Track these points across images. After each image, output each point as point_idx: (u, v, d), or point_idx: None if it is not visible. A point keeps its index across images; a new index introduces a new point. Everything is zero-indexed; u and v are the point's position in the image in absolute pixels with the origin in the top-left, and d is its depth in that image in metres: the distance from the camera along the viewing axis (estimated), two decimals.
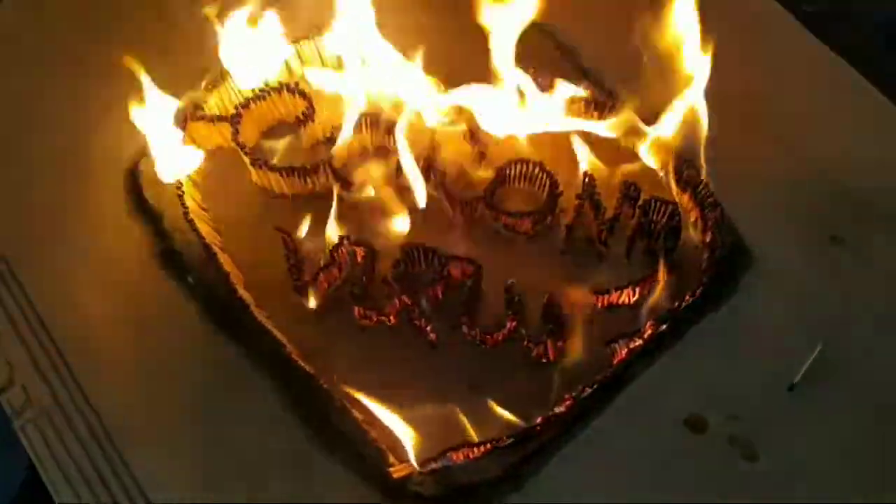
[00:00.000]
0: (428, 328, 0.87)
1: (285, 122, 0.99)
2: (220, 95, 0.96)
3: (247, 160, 0.92)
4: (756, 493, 0.83)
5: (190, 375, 0.87)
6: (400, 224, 0.92)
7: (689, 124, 0.93)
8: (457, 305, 0.89)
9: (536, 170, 0.94)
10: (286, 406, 0.84)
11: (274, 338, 0.85)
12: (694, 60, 0.92)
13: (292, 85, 0.96)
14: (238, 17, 0.98)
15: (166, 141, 0.90)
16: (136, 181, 0.95)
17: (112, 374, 0.87)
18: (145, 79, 0.93)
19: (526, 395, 0.86)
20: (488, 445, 0.79)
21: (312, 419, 0.84)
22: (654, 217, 0.91)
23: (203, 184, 0.95)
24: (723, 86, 1.01)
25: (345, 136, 0.94)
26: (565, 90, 0.96)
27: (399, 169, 0.92)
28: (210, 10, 0.96)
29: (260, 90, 0.95)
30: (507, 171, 0.94)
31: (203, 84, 0.97)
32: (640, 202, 0.92)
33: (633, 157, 0.98)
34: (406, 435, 0.80)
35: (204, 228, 0.89)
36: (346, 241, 0.88)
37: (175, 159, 0.91)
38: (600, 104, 0.96)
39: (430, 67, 0.99)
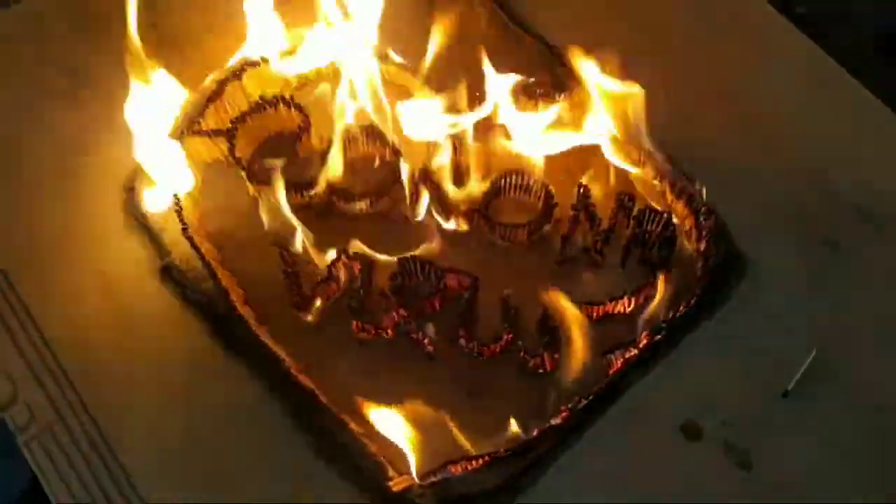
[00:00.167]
0: (425, 340, 0.88)
1: (281, 135, 0.99)
2: (216, 109, 0.96)
3: (244, 175, 0.93)
4: (750, 499, 0.83)
5: (190, 389, 0.88)
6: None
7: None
8: (454, 317, 0.89)
9: (531, 180, 0.95)
10: (286, 419, 0.85)
11: (273, 352, 0.85)
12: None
13: (287, 98, 0.96)
14: None
15: (162, 159, 0.91)
16: (134, 197, 0.95)
17: (114, 389, 0.88)
18: (143, 92, 0.93)
19: (523, 406, 0.86)
20: (486, 458, 0.80)
21: (312, 432, 0.84)
22: (649, 227, 0.92)
23: (200, 198, 0.95)
24: (714, 88, 1.04)
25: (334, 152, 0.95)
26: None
27: (397, 181, 0.94)
28: None
29: (256, 103, 0.96)
30: (503, 182, 0.95)
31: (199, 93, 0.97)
32: (635, 212, 0.92)
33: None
34: (406, 447, 0.81)
35: (203, 244, 0.89)
36: (343, 256, 0.89)
37: (170, 180, 0.91)
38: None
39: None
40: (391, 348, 0.89)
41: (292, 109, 0.96)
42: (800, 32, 1.09)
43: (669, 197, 0.95)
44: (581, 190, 0.92)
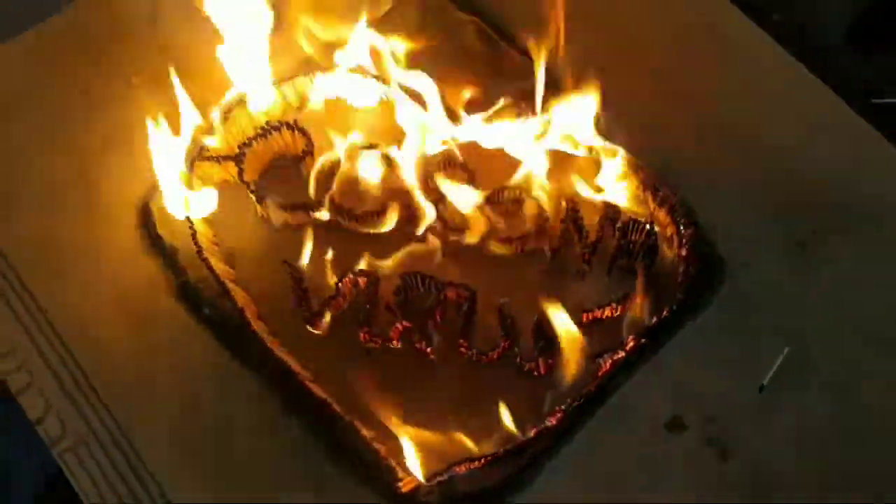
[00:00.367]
0: (428, 349, 0.93)
1: (285, 157, 1.04)
2: (224, 133, 1.01)
3: (253, 198, 0.98)
4: (731, 488, 0.90)
5: (209, 401, 0.94)
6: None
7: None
8: (454, 326, 0.94)
9: (522, 195, 1.00)
10: (301, 428, 0.91)
11: (286, 364, 0.91)
12: None
13: (291, 122, 1.01)
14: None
15: (177, 182, 0.96)
16: (148, 218, 1.00)
17: (138, 401, 0.93)
18: (160, 121, 0.98)
19: (521, 407, 0.92)
20: (487, 458, 0.86)
21: (325, 439, 0.90)
22: (633, 237, 0.97)
23: (212, 218, 1.00)
24: (691, 98, 1.08)
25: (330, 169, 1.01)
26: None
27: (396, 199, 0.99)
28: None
29: (262, 129, 1.01)
30: (496, 197, 1.00)
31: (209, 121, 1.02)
32: (619, 224, 0.98)
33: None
34: (414, 449, 0.87)
35: (217, 264, 0.95)
36: (350, 272, 0.94)
37: (187, 198, 0.96)
38: None
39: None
40: (396, 357, 0.95)
41: (295, 133, 1.01)
42: (774, 41, 1.12)
43: (652, 206, 1.00)
44: (569, 204, 0.98)
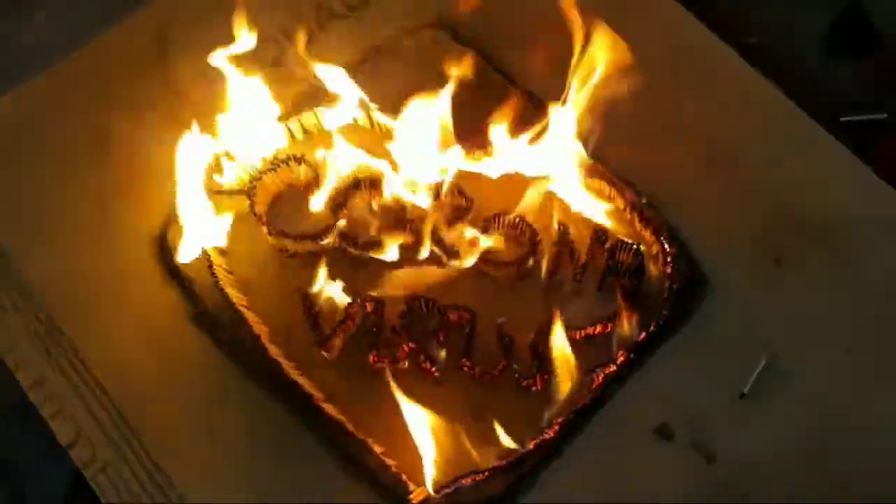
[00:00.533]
0: (433, 368, 1.00)
1: (293, 187, 1.09)
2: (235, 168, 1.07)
3: (264, 230, 1.04)
4: (717, 488, 0.95)
5: (228, 422, 0.99)
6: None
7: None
8: (457, 346, 1.00)
9: (517, 219, 1.06)
10: (315, 445, 0.97)
11: (301, 385, 0.97)
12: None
13: (298, 156, 1.07)
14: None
15: (194, 215, 1.02)
16: (165, 249, 1.06)
17: (162, 422, 0.99)
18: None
19: (520, 420, 0.97)
20: (490, 470, 0.93)
21: (340, 455, 0.96)
22: (621, 257, 1.03)
23: (226, 248, 1.06)
24: (672, 122, 1.13)
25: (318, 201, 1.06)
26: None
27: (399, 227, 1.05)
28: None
29: (270, 163, 1.06)
30: (493, 223, 1.06)
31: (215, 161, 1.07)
32: (608, 245, 1.04)
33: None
34: (427, 461, 0.93)
35: (232, 293, 1.00)
36: (358, 298, 1.00)
37: (200, 234, 1.02)
38: None
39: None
40: (403, 376, 0.99)
41: (302, 165, 1.07)
42: (749, 66, 1.17)
43: (638, 226, 1.06)
44: (560, 228, 1.04)
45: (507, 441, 0.95)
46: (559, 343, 0.97)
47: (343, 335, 1.00)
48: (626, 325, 1.01)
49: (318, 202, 1.05)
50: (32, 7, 1.52)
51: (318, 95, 1.13)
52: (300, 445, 0.97)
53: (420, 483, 0.94)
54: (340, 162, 1.06)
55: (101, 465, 0.96)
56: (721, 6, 1.28)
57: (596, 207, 1.06)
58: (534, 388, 0.99)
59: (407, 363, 1.00)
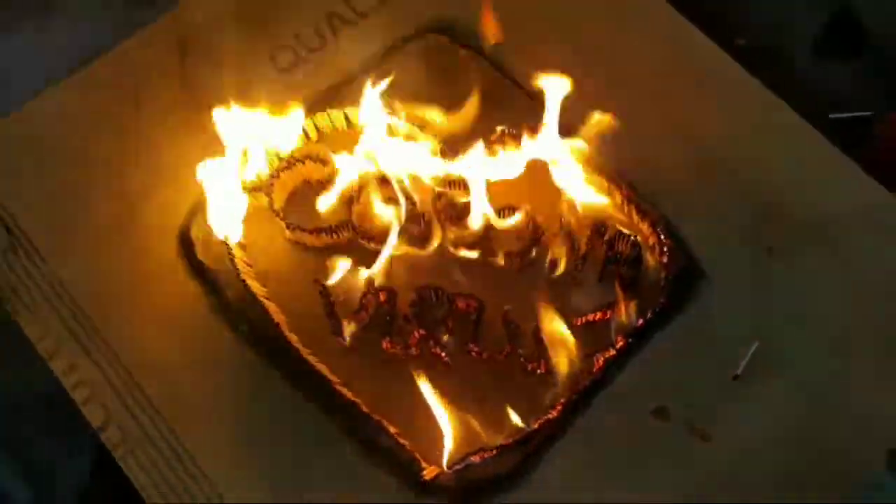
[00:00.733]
0: (443, 354, 1.05)
1: (308, 184, 1.15)
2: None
3: (282, 224, 1.10)
4: (712, 465, 1.00)
5: (248, 404, 1.05)
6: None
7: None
8: (465, 332, 1.05)
9: (521, 213, 1.11)
10: (333, 426, 1.02)
11: (320, 373, 1.02)
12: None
13: (313, 154, 1.12)
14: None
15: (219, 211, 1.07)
16: (189, 246, 1.11)
17: (186, 407, 1.04)
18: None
19: (526, 401, 1.02)
20: (498, 448, 0.98)
21: (356, 436, 1.01)
22: (620, 248, 1.08)
23: (245, 242, 1.11)
24: (667, 121, 1.18)
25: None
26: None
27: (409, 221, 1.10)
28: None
29: (287, 161, 1.12)
30: (500, 216, 1.11)
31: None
32: (607, 237, 1.09)
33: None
34: (449, 439, 0.98)
35: (253, 284, 1.06)
36: (371, 289, 1.06)
37: (222, 228, 1.07)
38: None
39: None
40: (414, 361, 1.05)
41: (318, 163, 1.12)
42: (738, 65, 1.22)
43: (635, 219, 1.12)
44: (562, 221, 1.09)
45: (513, 420, 1.00)
46: (559, 325, 1.02)
47: (358, 324, 1.05)
48: (625, 312, 1.06)
49: (327, 200, 1.11)
50: (53, 13, 1.58)
51: (329, 98, 1.19)
52: (318, 427, 1.02)
53: (432, 462, 0.99)
54: (353, 162, 1.12)
55: (129, 447, 1.01)
56: (710, 7, 1.33)
57: (596, 201, 1.11)
58: (538, 372, 1.04)
59: (418, 349, 1.05)
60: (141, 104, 1.19)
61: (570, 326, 1.04)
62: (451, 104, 1.15)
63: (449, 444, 0.98)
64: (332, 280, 1.06)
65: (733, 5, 1.50)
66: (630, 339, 1.05)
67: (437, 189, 1.11)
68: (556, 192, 1.11)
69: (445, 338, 1.05)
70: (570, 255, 1.09)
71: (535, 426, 1.00)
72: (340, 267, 1.07)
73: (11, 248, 1.11)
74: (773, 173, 1.16)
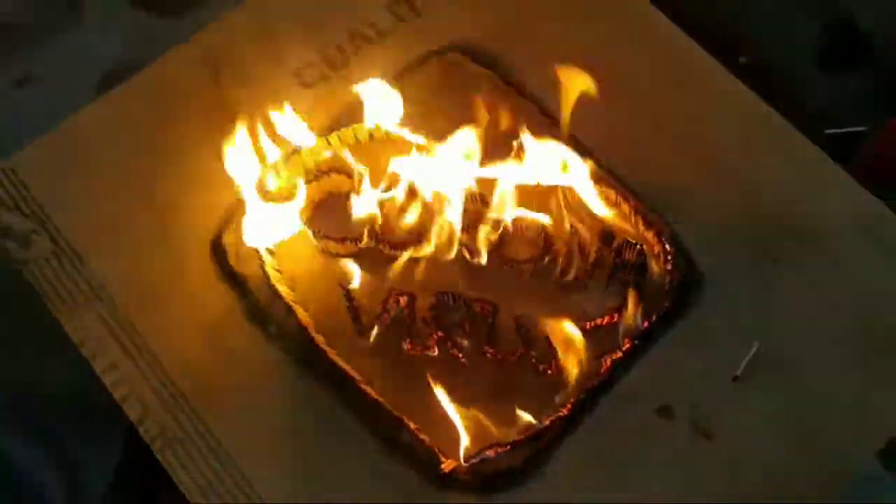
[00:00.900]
0: (460, 355, 1.11)
1: (333, 195, 1.21)
2: (282, 178, 1.19)
3: (309, 233, 1.16)
4: (714, 462, 1.05)
5: (279, 402, 1.10)
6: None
7: None
8: (481, 335, 1.11)
9: (534, 222, 1.17)
10: (357, 422, 1.07)
11: (345, 371, 1.08)
12: None
13: (338, 167, 1.19)
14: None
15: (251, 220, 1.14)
16: (221, 252, 1.17)
17: (218, 403, 1.09)
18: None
19: (537, 400, 1.08)
20: (512, 443, 1.04)
21: (378, 431, 1.07)
22: (626, 255, 1.14)
23: (275, 249, 1.17)
24: (669, 133, 1.23)
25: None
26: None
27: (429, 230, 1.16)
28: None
29: (314, 173, 1.19)
30: (512, 225, 1.17)
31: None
32: (615, 245, 1.15)
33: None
34: (463, 435, 1.04)
35: (282, 289, 1.13)
36: (393, 293, 1.12)
37: (254, 236, 1.14)
38: None
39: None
40: (432, 362, 1.11)
41: (343, 175, 1.19)
42: (739, 81, 1.27)
43: (641, 228, 1.17)
44: (572, 230, 1.15)
45: (526, 418, 1.05)
46: (569, 328, 1.08)
47: (380, 326, 1.11)
48: (631, 316, 1.11)
49: (359, 209, 1.17)
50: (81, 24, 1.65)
51: (353, 114, 1.24)
52: (342, 423, 1.07)
53: (449, 456, 1.05)
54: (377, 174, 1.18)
55: (166, 441, 1.07)
56: (712, 22, 1.39)
57: (604, 211, 1.17)
58: (549, 372, 1.09)
59: (437, 350, 1.11)
60: (175, 118, 1.25)
61: (580, 329, 1.09)
62: (467, 120, 1.20)
63: (464, 440, 1.04)
64: (356, 284, 1.13)
65: (736, 19, 1.56)
66: (636, 342, 1.10)
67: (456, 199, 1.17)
68: (566, 203, 1.18)
69: (463, 341, 1.11)
70: (580, 262, 1.15)
71: (547, 423, 1.05)
72: (359, 272, 1.14)
73: (55, 254, 1.18)
74: (772, 185, 1.21)
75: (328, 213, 1.21)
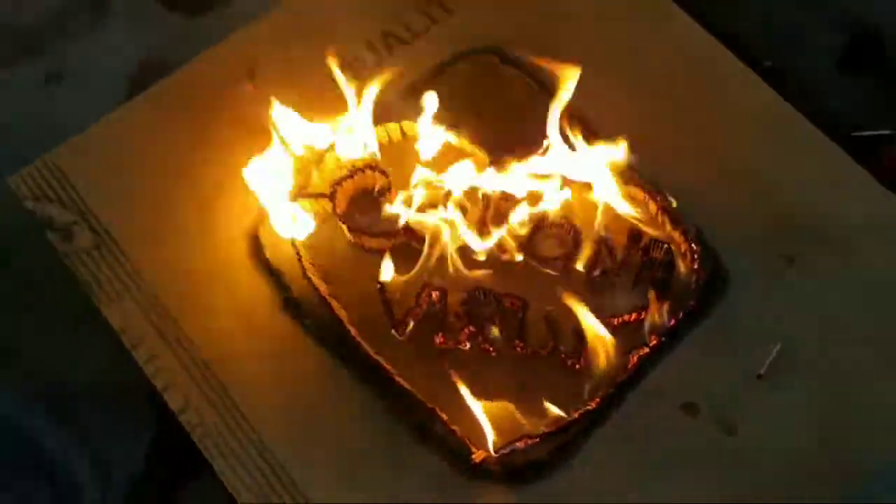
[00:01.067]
0: (491, 349, 1.14)
1: (367, 192, 1.24)
2: (318, 174, 1.23)
3: (344, 228, 1.20)
4: (737, 457, 1.08)
5: (311, 393, 1.13)
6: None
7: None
8: (511, 329, 1.14)
9: (563, 220, 1.20)
10: (390, 413, 1.10)
11: (379, 363, 1.11)
12: None
13: (373, 164, 1.22)
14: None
15: (283, 215, 1.18)
16: (258, 246, 1.20)
17: (256, 393, 1.13)
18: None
19: (566, 393, 1.10)
20: (541, 435, 1.06)
21: (411, 422, 1.10)
22: (654, 255, 1.16)
23: (310, 243, 1.20)
24: (693, 136, 1.26)
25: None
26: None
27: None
28: None
29: (349, 171, 1.22)
30: (542, 223, 1.20)
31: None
32: (643, 244, 1.18)
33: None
34: (487, 428, 1.06)
35: (318, 282, 1.16)
36: (426, 287, 1.15)
37: (289, 231, 1.18)
38: None
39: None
40: (464, 355, 1.14)
41: (377, 172, 1.22)
42: (763, 83, 1.30)
43: (668, 228, 1.19)
44: (601, 228, 1.17)
45: (554, 410, 1.08)
46: (597, 325, 1.10)
47: (413, 319, 1.14)
48: (658, 314, 1.13)
49: (391, 208, 1.19)
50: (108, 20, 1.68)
51: (384, 114, 1.27)
52: (376, 414, 1.10)
53: (479, 447, 1.07)
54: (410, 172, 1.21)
55: (206, 430, 1.10)
56: (734, 29, 1.41)
57: (631, 211, 1.20)
58: (578, 367, 1.12)
59: (468, 344, 1.14)
60: (214, 116, 1.28)
61: (608, 326, 1.12)
62: (498, 120, 1.24)
63: (490, 433, 1.07)
64: (388, 278, 1.16)
65: (757, 23, 1.58)
66: (663, 339, 1.12)
67: (487, 198, 1.20)
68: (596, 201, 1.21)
69: (494, 333, 1.13)
70: (608, 261, 1.18)
71: (575, 416, 1.08)
72: (391, 267, 1.16)
73: (96, 246, 1.21)
74: (795, 186, 1.23)
75: (362, 208, 1.24)
